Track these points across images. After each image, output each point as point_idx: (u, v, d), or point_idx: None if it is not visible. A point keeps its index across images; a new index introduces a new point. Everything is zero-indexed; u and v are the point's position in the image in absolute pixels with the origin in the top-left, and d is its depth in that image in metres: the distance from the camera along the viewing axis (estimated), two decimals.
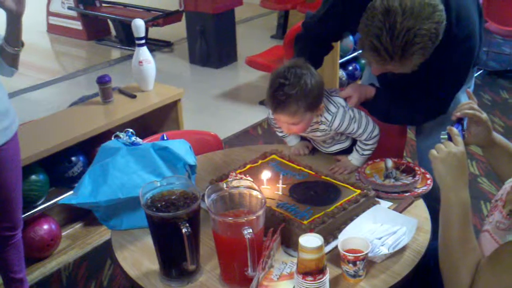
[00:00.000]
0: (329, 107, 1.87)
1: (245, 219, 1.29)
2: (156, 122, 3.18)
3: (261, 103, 4.79)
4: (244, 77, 5.48)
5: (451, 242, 1.32)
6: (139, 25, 2.91)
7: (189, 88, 5.26)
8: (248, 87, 5.29)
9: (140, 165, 1.56)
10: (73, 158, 2.74)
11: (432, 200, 1.70)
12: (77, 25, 6.86)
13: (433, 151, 1.39)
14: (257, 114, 4.57)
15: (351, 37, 4.52)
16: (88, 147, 2.81)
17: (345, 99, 1.91)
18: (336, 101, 1.89)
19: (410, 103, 1.92)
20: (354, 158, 1.94)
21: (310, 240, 1.27)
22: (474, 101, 1.59)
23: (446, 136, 1.45)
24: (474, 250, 1.30)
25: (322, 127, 1.89)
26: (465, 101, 1.60)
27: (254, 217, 1.30)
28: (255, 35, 6.86)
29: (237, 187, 1.42)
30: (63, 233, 2.89)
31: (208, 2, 5.48)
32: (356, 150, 1.94)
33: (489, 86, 4.75)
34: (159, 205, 1.35)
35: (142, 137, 3.13)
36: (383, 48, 1.57)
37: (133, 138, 1.67)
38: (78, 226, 2.98)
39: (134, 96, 2.96)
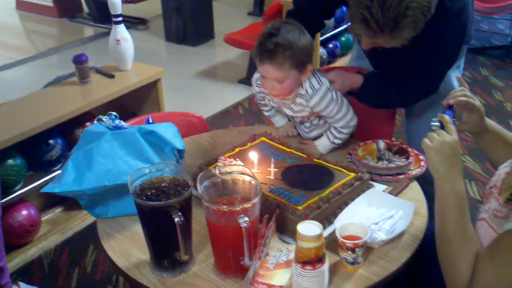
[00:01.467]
0: (312, 82, 1.78)
1: (241, 207, 1.23)
2: (135, 102, 3.09)
3: (241, 81, 4.71)
4: (222, 55, 5.38)
5: (448, 234, 1.28)
6: (115, 1, 2.79)
7: (166, 66, 5.11)
8: (226, 65, 5.20)
9: (126, 150, 1.48)
10: (51, 141, 2.63)
11: (425, 183, 1.67)
12: (48, 1, 6.63)
13: (426, 141, 1.36)
14: (237, 93, 4.49)
15: None
16: (67, 130, 2.72)
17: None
18: (320, 78, 1.81)
19: (400, 83, 1.87)
20: (321, 145, 1.86)
21: (308, 228, 1.22)
22: (466, 87, 1.56)
23: (438, 124, 1.41)
24: (472, 240, 1.27)
25: (299, 100, 1.80)
26: (457, 88, 1.56)
27: (250, 205, 1.24)
28: (231, 12, 6.74)
29: (230, 172, 1.36)
30: (43, 218, 2.80)
31: None
32: (327, 136, 1.85)
33: (469, 63, 4.74)
34: (149, 193, 1.28)
35: (122, 119, 3.08)
36: (374, 20, 1.52)
37: (117, 122, 1.59)
38: (58, 210, 2.88)
39: (112, 76, 2.86)
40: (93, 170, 1.44)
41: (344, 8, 4.50)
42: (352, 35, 1.84)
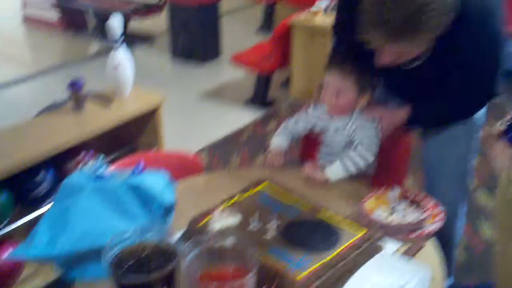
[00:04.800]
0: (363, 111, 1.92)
1: (230, 285, 1.07)
2: (133, 131, 2.93)
3: (247, 102, 4.57)
4: (228, 73, 5.23)
5: None
6: (114, 26, 2.65)
7: (171, 84, 5.03)
8: (233, 85, 5.05)
9: (107, 208, 1.33)
10: (41, 175, 2.47)
11: (442, 236, 1.51)
12: (53, 16, 6.54)
13: None
14: (243, 116, 4.33)
15: None
16: (58, 162, 2.56)
17: None
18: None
19: (455, 97, 1.77)
20: (331, 170, 1.82)
21: None
22: None
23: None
24: None
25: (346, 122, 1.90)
26: None
27: (241, 283, 1.08)
28: (240, 28, 6.61)
29: (222, 239, 1.20)
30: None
31: None
32: (341, 161, 1.83)
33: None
34: (127, 265, 1.13)
35: (117, 149, 2.94)
36: (390, 21, 1.46)
37: (103, 169, 1.43)
38: None
39: (109, 104, 2.71)
40: (69, 231, 1.28)
41: None
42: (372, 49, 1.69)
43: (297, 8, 5.37)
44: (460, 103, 1.78)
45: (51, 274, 2.58)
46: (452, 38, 1.56)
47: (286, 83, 4.75)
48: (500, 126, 1.30)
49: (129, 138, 2.95)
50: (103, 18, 5.99)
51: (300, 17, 4.20)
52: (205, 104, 4.63)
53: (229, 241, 1.20)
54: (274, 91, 4.65)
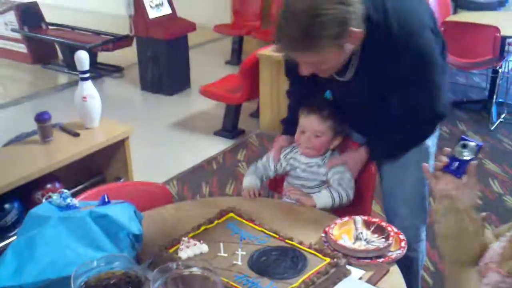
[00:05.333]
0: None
1: None
2: (102, 162, 2.93)
3: (216, 133, 4.60)
4: (198, 105, 5.27)
5: None
6: (82, 58, 2.66)
7: (140, 116, 5.03)
8: (202, 116, 5.08)
9: (74, 237, 1.33)
10: (7, 206, 2.45)
11: (406, 260, 1.55)
12: (22, 48, 6.51)
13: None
14: (212, 146, 4.36)
15: None
16: (25, 192, 2.54)
17: None
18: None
19: (409, 127, 1.85)
20: (318, 197, 1.90)
21: None
22: None
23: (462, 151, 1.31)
24: None
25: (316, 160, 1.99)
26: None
27: None
28: (209, 61, 6.68)
29: (189, 266, 1.21)
30: None
31: (160, 28, 5.27)
32: (329, 190, 1.92)
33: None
34: None
35: (86, 179, 2.93)
36: (288, 33, 1.55)
37: (68, 200, 1.44)
38: None
39: (77, 135, 2.71)
40: (36, 261, 1.28)
41: None
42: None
43: (265, 41, 5.49)
44: (407, 127, 1.84)
45: None
46: (376, 53, 1.66)
47: (256, 113, 4.81)
48: (443, 158, 1.34)
49: (98, 169, 2.95)
50: (72, 50, 5.99)
51: (267, 50, 4.28)
52: (174, 135, 4.64)
53: (195, 269, 1.21)
54: (243, 122, 4.69)
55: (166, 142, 4.50)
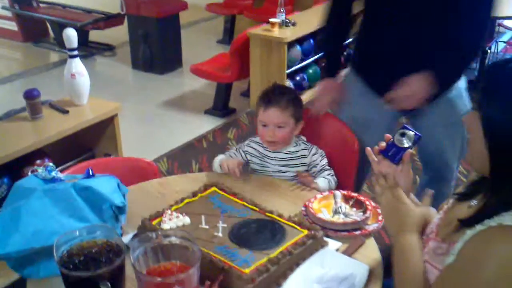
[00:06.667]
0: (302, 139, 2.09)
1: (175, 279, 1.12)
2: (91, 138, 2.96)
3: (207, 112, 4.63)
4: (189, 84, 5.29)
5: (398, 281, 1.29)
6: (70, 35, 2.68)
7: (131, 95, 5.05)
8: (193, 95, 5.11)
9: (58, 208, 1.37)
10: None
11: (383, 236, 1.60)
12: (12, 25, 6.49)
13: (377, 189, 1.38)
14: (203, 125, 4.39)
15: (298, 47, 4.41)
16: (15, 168, 2.57)
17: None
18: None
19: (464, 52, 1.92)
20: (319, 181, 1.93)
21: None
22: None
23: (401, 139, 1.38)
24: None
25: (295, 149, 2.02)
26: None
27: (187, 276, 1.14)
28: (200, 40, 6.68)
29: (168, 236, 1.26)
30: None
31: (152, 6, 5.26)
32: (324, 176, 1.96)
33: None
34: (76, 261, 1.17)
35: (76, 155, 2.95)
36: None
37: (53, 173, 1.47)
38: None
39: (66, 112, 2.73)
40: (21, 231, 1.32)
41: (311, 40, 4.47)
42: None
43: (256, 21, 5.49)
44: (464, 50, 1.90)
45: (12, 275, 2.57)
46: None
47: (246, 92, 4.83)
48: (382, 143, 1.41)
49: (88, 146, 2.98)
50: (63, 28, 5.97)
51: (258, 29, 4.30)
52: (165, 113, 4.67)
53: (174, 239, 1.26)
54: (234, 101, 4.72)
55: (157, 121, 4.52)
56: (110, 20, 5.87)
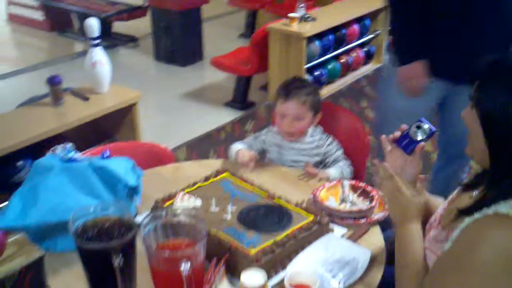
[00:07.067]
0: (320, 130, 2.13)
1: (183, 253, 1.19)
2: (111, 126, 3.04)
3: (227, 104, 4.69)
4: (210, 77, 5.36)
5: (399, 267, 1.34)
6: (92, 24, 2.76)
7: (153, 85, 5.14)
8: (214, 87, 5.18)
9: (75, 186, 1.44)
10: (20, 163, 2.58)
11: (387, 225, 1.63)
12: (39, 15, 6.63)
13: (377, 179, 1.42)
14: (222, 116, 4.46)
15: (317, 42, 4.45)
16: (37, 152, 2.65)
17: None
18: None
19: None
20: (329, 171, 1.98)
21: (252, 277, 1.17)
22: None
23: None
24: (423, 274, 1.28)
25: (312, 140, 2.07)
26: None
27: (193, 251, 1.20)
28: (222, 34, 6.74)
29: (178, 215, 1.32)
30: (9, 240, 2.72)
31: None
32: (337, 167, 2.02)
33: None
34: (90, 234, 1.24)
35: (97, 142, 3.04)
36: None
37: (72, 153, 1.55)
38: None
39: (87, 99, 2.82)
40: (39, 205, 1.40)
41: (331, 36, 4.50)
42: None
43: (278, 15, 5.53)
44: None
45: (34, 253, 2.67)
46: None
47: (265, 86, 4.89)
48: (397, 133, 1.44)
49: (108, 133, 3.06)
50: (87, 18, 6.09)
51: (277, 24, 4.34)
52: (186, 104, 4.75)
53: (183, 217, 1.32)
54: (253, 94, 4.78)
55: (178, 111, 4.60)
56: (133, 11, 5.97)
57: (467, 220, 1.17)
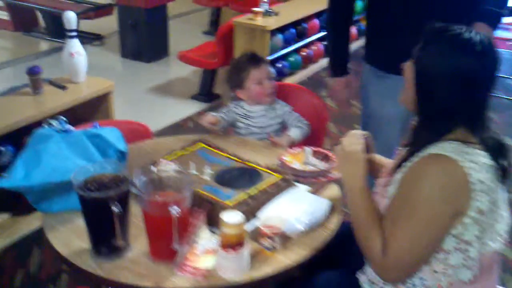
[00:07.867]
0: None
1: (173, 198, 1.40)
2: (87, 114, 3.21)
3: (193, 97, 4.89)
4: (176, 72, 5.55)
5: (358, 219, 1.50)
6: (70, 17, 2.94)
7: (121, 81, 5.27)
8: (180, 82, 5.37)
9: (72, 151, 1.64)
10: (1, 148, 2.73)
11: None
12: (4, 15, 6.68)
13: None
14: (189, 108, 4.66)
15: (280, 35, 4.70)
16: (18, 138, 2.81)
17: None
18: None
19: None
20: (292, 132, 2.28)
21: (231, 217, 1.40)
22: None
23: None
24: (378, 217, 1.47)
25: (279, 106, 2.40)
26: None
27: (181, 197, 1.42)
28: (187, 31, 6.94)
29: (166, 170, 1.53)
30: None
31: None
32: (295, 126, 2.32)
33: None
34: (91, 187, 1.44)
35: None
36: None
37: (66, 126, 1.74)
38: (4, 216, 2.96)
39: (64, 88, 2.99)
40: (42, 167, 1.59)
41: (293, 30, 4.74)
42: None
43: (241, 12, 5.76)
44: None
45: (10, 237, 2.83)
46: None
47: None
48: None
49: (84, 119, 3.22)
50: (53, 18, 6.20)
51: (242, 18, 4.57)
52: (153, 98, 4.93)
53: (170, 172, 1.53)
54: (218, 87, 5.00)
55: (145, 105, 4.78)
56: (100, 10, 6.09)
57: (408, 164, 1.42)
